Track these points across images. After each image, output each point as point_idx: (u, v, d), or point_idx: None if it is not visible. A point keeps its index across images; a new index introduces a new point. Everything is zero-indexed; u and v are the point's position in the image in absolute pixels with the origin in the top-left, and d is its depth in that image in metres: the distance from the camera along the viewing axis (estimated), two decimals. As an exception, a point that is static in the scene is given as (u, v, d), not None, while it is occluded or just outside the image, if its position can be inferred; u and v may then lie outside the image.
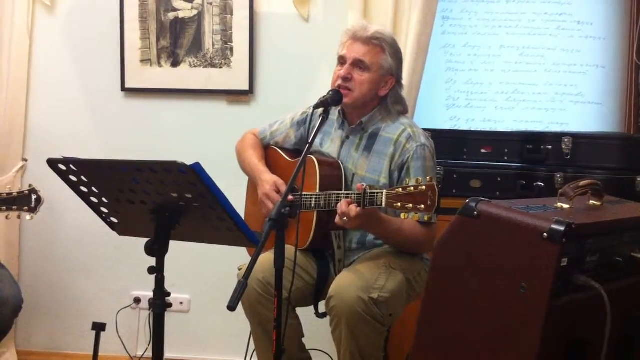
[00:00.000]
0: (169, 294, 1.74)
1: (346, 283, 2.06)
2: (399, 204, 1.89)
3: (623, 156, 2.61)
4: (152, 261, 1.73)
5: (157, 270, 1.73)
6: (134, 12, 3.07)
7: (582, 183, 1.63)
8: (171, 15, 3.08)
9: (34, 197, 2.66)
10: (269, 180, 2.34)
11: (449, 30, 3.13)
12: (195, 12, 3.07)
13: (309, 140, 2.04)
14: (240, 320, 2.28)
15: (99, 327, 2.65)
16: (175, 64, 3.10)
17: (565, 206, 1.58)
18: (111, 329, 2.95)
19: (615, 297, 1.39)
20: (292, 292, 2.05)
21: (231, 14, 3.04)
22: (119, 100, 3.15)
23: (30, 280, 3.19)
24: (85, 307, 3.20)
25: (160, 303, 1.73)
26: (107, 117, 3.18)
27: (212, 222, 1.70)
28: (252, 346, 2.33)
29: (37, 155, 3.12)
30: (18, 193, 2.65)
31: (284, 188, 2.26)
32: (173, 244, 1.74)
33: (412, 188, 1.88)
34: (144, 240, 1.74)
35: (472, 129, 3.07)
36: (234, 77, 3.06)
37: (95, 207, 1.84)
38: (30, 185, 2.68)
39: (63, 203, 3.07)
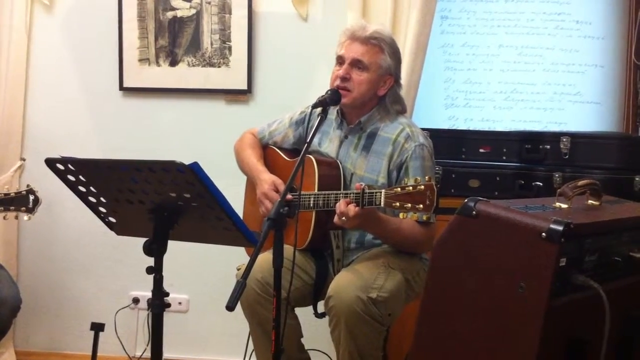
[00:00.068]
0: (167, 294, 1.74)
1: (345, 283, 2.06)
2: (398, 204, 1.89)
3: (621, 156, 2.61)
4: (150, 261, 1.72)
5: (156, 270, 1.72)
6: (132, 12, 3.07)
7: (581, 183, 1.63)
8: (169, 14, 3.08)
9: (31, 197, 2.65)
10: (267, 179, 2.34)
11: (447, 30, 3.13)
12: (193, 11, 3.07)
13: (308, 140, 2.04)
14: (239, 321, 2.27)
15: (97, 327, 2.65)
16: (173, 63, 3.09)
17: (564, 206, 1.58)
18: (110, 329, 2.95)
19: (614, 297, 1.39)
20: (290, 292, 2.05)
21: (230, 13, 3.04)
22: (117, 100, 3.15)
23: (29, 280, 3.19)
24: (83, 307, 3.20)
25: (158, 303, 1.73)
26: (105, 116, 3.17)
27: (210, 222, 1.70)
28: (251, 346, 2.33)
29: (35, 155, 3.12)
30: (16, 193, 2.65)
31: (282, 188, 2.26)
32: (171, 244, 1.74)
33: (411, 188, 1.88)
34: (143, 240, 1.73)
35: (471, 129, 3.07)
36: (233, 76, 3.06)
37: (93, 207, 1.84)
38: (28, 186, 2.68)
39: (61, 203, 3.06)
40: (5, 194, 2.64)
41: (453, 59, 3.13)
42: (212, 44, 3.06)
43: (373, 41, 2.24)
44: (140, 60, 3.10)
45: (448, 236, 1.56)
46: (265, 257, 2.04)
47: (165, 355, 1.83)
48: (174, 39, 3.08)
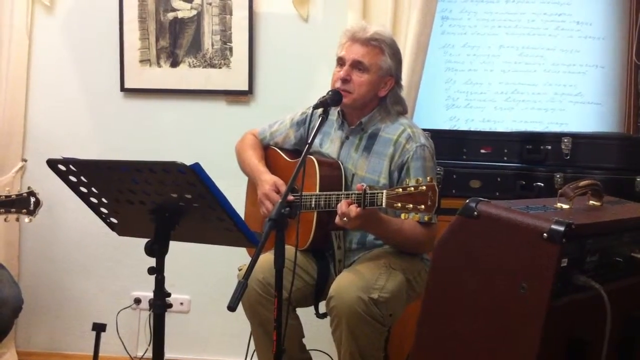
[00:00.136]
0: (169, 295, 1.74)
1: (346, 283, 2.06)
2: (399, 204, 1.89)
3: (622, 156, 2.61)
4: (152, 261, 1.73)
5: (157, 271, 1.73)
6: (133, 13, 3.07)
7: (582, 183, 1.63)
8: (170, 15, 3.08)
9: (32, 199, 2.65)
10: (268, 180, 2.34)
11: (448, 30, 3.13)
12: (194, 12, 3.07)
13: (309, 141, 2.04)
14: (240, 321, 2.28)
15: (99, 328, 2.65)
16: (174, 64, 3.10)
17: (565, 206, 1.58)
18: (111, 330, 2.95)
19: (615, 297, 1.39)
20: (292, 292, 2.05)
21: (230, 14, 3.04)
22: (118, 101, 3.15)
23: (30, 280, 3.19)
24: (85, 307, 3.20)
25: (160, 303, 1.73)
26: (106, 117, 3.17)
27: (211, 223, 1.70)
28: (252, 346, 2.33)
29: (36, 156, 3.12)
30: (17, 195, 2.65)
31: (283, 188, 2.26)
32: (173, 245, 1.74)
33: (412, 188, 1.88)
34: (144, 240, 1.73)
35: (472, 129, 3.07)
36: (234, 77, 3.06)
37: (94, 208, 1.84)
38: (29, 188, 2.68)
39: (63, 203, 3.07)
40: (7, 196, 2.64)
41: (454, 59, 3.13)
42: (213, 44, 3.06)
43: (374, 42, 2.25)
44: (141, 61, 3.10)
45: (449, 237, 1.56)
46: (267, 258, 2.04)
47: (166, 355, 1.83)
48: (175, 40, 3.08)
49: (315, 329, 2.50)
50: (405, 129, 2.27)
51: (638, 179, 2.57)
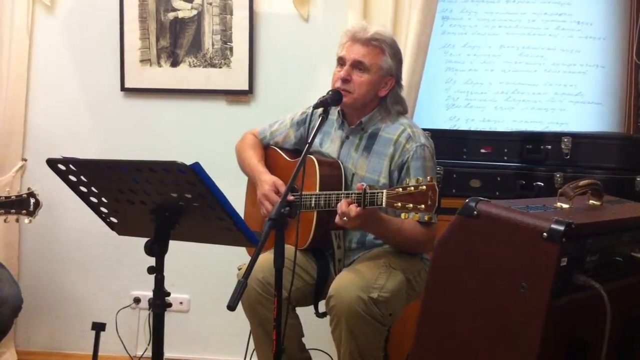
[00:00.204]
0: (168, 294, 1.74)
1: (346, 283, 2.06)
2: (399, 204, 1.89)
3: (622, 156, 2.61)
4: (151, 261, 1.73)
5: (157, 270, 1.73)
6: (133, 13, 3.07)
7: (582, 183, 1.63)
8: (171, 15, 3.08)
9: (32, 200, 2.66)
10: (268, 180, 2.34)
11: (448, 30, 3.13)
12: (194, 12, 3.07)
13: (309, 140, 2.04)
14: (240, 320, 2.28)
15: (98, 327, 2.65)
16: (174, 64, 3.10)
17: (565, 206, 1.58)
18: (111, 329, 2.96)
19: (615, 297, 1.39)
20: (291, 291, 2.05)
21: (231, 14, 3.04)
22: (118, 100, 3.15)
23: (30, 280, 3.19)
24: (85, 307, 3.20)
25: (160, 303, 1.73)
26: (106, 117, 3.18)
27: (211, 222, 1.70)
28: (251, 346, 2.33)
29: (36, 155, 3.12)
30: (16, 196, 2.65)
31: (283, 189, 2.26)
32: (173, 244, 1.74)
33: (413, 188, 1.88)
34: (144, 240, 1.73)
35: (472, 129, 3.07)
36: (234, 77, 3.06)
37: (94, 207, 1.84)
38: (28, 189, 2.68)
39: (63, 203, 3.07)
40: (6, 197, 2.64)
41: (454, 59, 3.13)
42: (213, 44, 3.06)
43: (374, 42, 2.24)
44: (141, 61, 3.10)
45: (449, 236, 1.56)
46: (266, 257, 2.04)
47: (166, 354, 1.83)
48: (175, 39, 3.08)
49: (315, 329, 2.50)
50: (405, 128, 2.27)
51: (638, 179, 2.57)
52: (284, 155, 2.47)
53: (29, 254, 3.22)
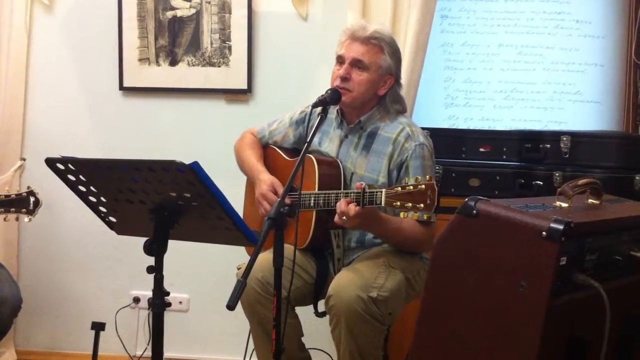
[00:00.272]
0: (168, 294, 1.74)
1: (345, 282, 2.06)
2: (399, 203, 1.89)
3: (622, 155, 2.61)
4: (151, 260, 1.72)
5: (156, 270, 1.72)
6: (132, 11, 3.07)
7: (581, 182, 1.63)
8: (169, 14, 3.07)
9: (32, 199, 2.66)
10: (266, 180, 2.33)
11: (447, 29, 3.13)
12: (193, 10, 3.07)
13: (308, 140, 2.04)
14: (239, 320, 2.27)
15: (98, 327, 2.65)
16: (173, 63, 3.09)
17: (564, 205, 1.58)
18: (110, 329, 2.95)
19: (614, 296, 1.39)
20: (291, 291, 2.05)
21: (229, 12, 3.04)
22: (117, 100, 3.15)
23: (29, 279, 3.19)
24: (84, 306, 3.20)
25: (159, 302, 1.73)
26: (105, 116, 3.17)
27: (211, 222, 1.70)
28: (251, 345, 2.33)
29: (35, 155, 3.12)
30: (16, 195, 2.65)
31: (280, 190, 2.26)
32: (172, 243, 1.74)
33: (412, 187, 1.88)
34: (143, 239, 1.73)
35: (471, 128, 3.07)
36: (233, 76, 3.06)
37: (93, 207, 1.84)
38: (28, 187, 2.68)
39: (62, 202, 3.06)
40: (6, 196, 2.64)
41: (453, 58, 3.13)
42: (212, 43, 3.06)
43: (373, 41, 2.24)
44: (140, 59, 3.10)
45: (448, 235, 1.56)
46: (266, 257, 2.04)
47: (165, 354, 1.83)
48: (174, 38, 3.08)
49: (315, 328, 2.50)
50: (404, 127, 2.27)
51: (637, 178, 2.57)
52: (282, 154, 2.47)
53: (29, 253, 3.21)
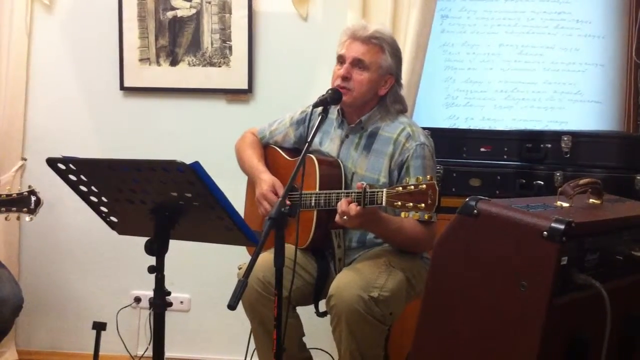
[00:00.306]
0: (169, 293, 1.74)
1: (346, 282, 2.06)
2: (399, 203, 1.89)
3: (622, 155, 2.61)
4: (152, 260, 1.73)
5: (157, 270, 1.73)
6: (132, 11, 3.07)
7: (582, 181, 1.63)
8: (170, 14, 3.08)
9: (33, 198, 2.66)
10: (267, 180, 2.34)
11: (447, 29, 3.13)
12: (193, 10, 3.07)
13: (308, 139, 2.04)
14: (240, 319, 2.28)
15: (99, 327, 2.65)
16: (174, 63, 3.09)
17: (565, 205, 1.58)
18: (111, 329, 2.95)
19: (615, 296, 1.39)
20: (292, 291, 2.05)
21: (230, 13, 3.04)
22: (117, 100, 3.15)
23: (31, 279, 3.19)
24: (85, 306, 3.20)
25: (160, 302, 1.73)
26: (106, 116, 3.17)
27: (211, 221, 1.70)
28: (252, 345, 2.33)
29: (36, 155, 3.12)
30: (17, 194, 2.65)
31: (281, 190, 2.26)
32: (173, 243, 1.74)
33: (413, 187, 1.88)
34: (144, 239, 1.73)
35: (471, 128, 3.07)
36: (233, 76, 3.06)
37: (94, 207, 1.84)
38: (29, 187, 2.68)
39: (63, 202, 3.07)
40: (7, 195, 2.64)
41: (453, 58, 3.13)
42: (212, 43, 3.06)
43: (374, 41, 2.24)
44: (140, 60, 3.10)
45: (449, 235, 1.56)
46: (267, 257, 2.04)
47: (166, 354, 1.83)
48: (175, 38, 3.08)
49: (315, 328, 2.50)
50: (405, 127, 2.27)
51: (638, 177, 2.57)
52: (283, 154, 2.47)
53: (30, 253, 3.22)
